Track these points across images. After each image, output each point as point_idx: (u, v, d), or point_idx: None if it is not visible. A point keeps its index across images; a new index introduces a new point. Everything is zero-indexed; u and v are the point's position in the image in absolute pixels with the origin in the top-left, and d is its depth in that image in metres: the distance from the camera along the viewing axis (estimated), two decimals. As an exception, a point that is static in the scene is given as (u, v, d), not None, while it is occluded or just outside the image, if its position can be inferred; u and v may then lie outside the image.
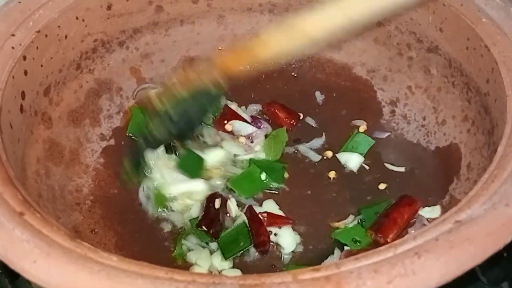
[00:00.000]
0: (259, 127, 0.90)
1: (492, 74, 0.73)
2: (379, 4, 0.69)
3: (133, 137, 0.89)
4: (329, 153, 0.88)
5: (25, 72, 0.75)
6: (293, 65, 0.98)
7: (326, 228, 0.79)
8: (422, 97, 0.89)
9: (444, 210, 0.76)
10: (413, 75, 0.90)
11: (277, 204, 0.82)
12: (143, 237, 0.80)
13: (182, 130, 0.83)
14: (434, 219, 0.72)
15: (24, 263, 0.53)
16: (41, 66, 0.79)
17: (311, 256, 0.76)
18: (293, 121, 0.92)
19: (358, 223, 0.78)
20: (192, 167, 0.84)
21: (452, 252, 0.53)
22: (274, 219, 0.79)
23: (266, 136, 0.90)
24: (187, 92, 0.78)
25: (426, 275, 0.51)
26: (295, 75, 0.98)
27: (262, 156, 0.87)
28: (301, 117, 0.93)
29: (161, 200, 0.81)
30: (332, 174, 0.85)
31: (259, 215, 0.78)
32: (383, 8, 0.70)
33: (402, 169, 0.85)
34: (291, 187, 0.84)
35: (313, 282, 0.50)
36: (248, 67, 0.77)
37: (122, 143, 0.89)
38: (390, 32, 0.90)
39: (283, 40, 0.74)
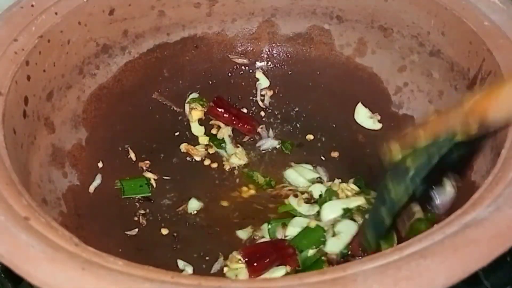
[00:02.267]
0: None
1: (495, 77, 0.73)
2: None
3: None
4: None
5: (28, 77, 0.75)
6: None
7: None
8: (424, 100, 0.89)
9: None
10: (415, 79, 0.90)
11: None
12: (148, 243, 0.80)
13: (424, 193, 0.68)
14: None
15: (29, 268, 0.53)
16: (44, 71, 0.79)
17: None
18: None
19: None
20: None
21: (457, 255, 0.53)
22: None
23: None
24: (431, 141, 0.64)
25: (432, 277, 0.51)
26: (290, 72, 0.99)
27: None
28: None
29: None
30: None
31: None
32: None
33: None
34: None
35: (320, 285, 0.50)
36: (509, 112, 0.61)
37: (126, 147, 0.90)
38: (392, 36, 0.90)
39: None
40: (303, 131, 0.93)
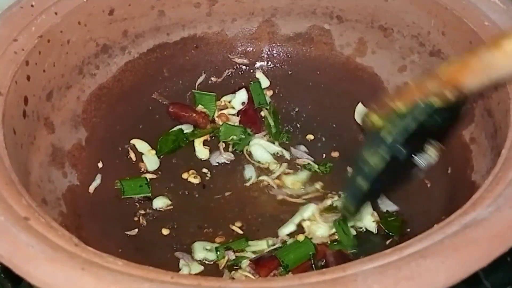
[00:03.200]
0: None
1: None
2: None
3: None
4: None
5: (28, 77, 0.75)
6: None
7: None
8: (424, 100, 0.89)
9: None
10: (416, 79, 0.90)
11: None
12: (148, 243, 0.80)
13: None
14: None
15: (29, 268, 0.53)
16: (44, 71, 0.79)
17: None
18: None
19: None
20: None
21: (458, 255, 0.53)
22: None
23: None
24: (408, 108, 0.65)
25: (432, 277, 0.51)
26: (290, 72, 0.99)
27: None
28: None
29: None
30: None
31: None
32: None
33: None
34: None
35: (320, 285, 0.50)
36: (482, 79, 0.62)
37: (126, 147, 0.90)
38: (392, 36, 0.90)
39: None
40: (303, 131, 0.93)
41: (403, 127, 0.65)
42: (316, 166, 0.88)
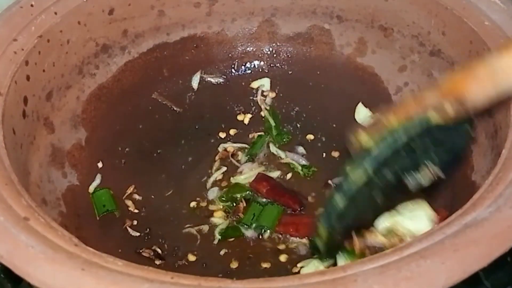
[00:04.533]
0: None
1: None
2: None
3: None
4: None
5: (28, 77, 0.75)
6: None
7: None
8: (424, 100, 0.89)
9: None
10: (416, 79, 0.90)
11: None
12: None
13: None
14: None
15: (29, 268, 0.53)
16: (43, 71, 0.79)
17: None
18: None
19: None
20: None
21: (458, 255, 0.53)
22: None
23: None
24: (401, 124, 0.59)
25: (432, 278, 0.51)
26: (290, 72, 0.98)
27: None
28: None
29: None
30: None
31: None
32: None
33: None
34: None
35: (320, 285, 0.50)
36: (488, 90, 0.57)
37: (127, 149, 0.90)
38: (392, 35, 0.90)
39: None
40: (303, 131, 0.93)
41: (392, 140, 0.60)
42: (300, 168, 0.88)
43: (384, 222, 0.69)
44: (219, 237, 0.80)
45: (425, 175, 0.63)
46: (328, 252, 0.68)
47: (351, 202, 0.61)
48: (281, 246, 0.79)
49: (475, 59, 0.67)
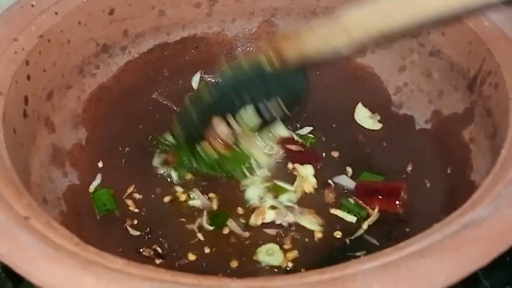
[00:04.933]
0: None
1: (495, 77, 0.73)
2: (421, 12, 0.67)
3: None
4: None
5: (28, 77, 0.76)
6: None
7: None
8: (424, 100, 0.89)
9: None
10: (415, 79, 0.90)
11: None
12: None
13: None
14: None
15: (30, 267, 0.53)
16: (44, 71, 0.79)
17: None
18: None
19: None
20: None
21: (457, 254, 0.53)
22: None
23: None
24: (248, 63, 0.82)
25: (431, 277, 0.51)
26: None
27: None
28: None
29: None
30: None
31: None
32: (424, 17, 0.67)
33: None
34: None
35: (319, 284, 0.50)
36: (298, 54, 0.78)
37: (127, 149, 0.90)
38: (392, 36, 0.90)
39: (327, 35, 0.75)
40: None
41: (235, 74, 0.84)
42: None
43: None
44: (210, 227, 0.81)
45: (275, 106, 0.85)
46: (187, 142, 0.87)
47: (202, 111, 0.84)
48: (287, 245, 0.79)
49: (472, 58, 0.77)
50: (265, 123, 0.86)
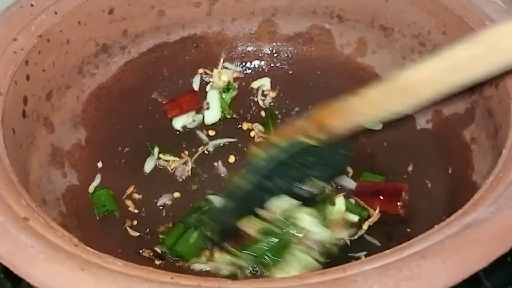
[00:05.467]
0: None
1: (496, 76, 0.73)
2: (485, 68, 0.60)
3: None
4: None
5: (27, 77, 0.75)
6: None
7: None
8: (424, 100, 0.89)
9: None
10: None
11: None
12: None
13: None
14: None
15: (29, 268, 0.53)
16: (43, 71, 0.78)
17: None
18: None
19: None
20: None
21: (458, 255, 0.53)
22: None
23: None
24: (284, 143, 0.74)
25: (432, 278, 0.51)
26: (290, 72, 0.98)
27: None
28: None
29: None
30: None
31: None
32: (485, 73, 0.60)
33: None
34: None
35: (320, 285, 0.50)
36: (346, 124, 0.71)
37: (127, 149, 0.90)
38: (392, 35, 0.90)
39: (387, 98, 0.67)
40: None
41: (274, 155, 0.74)
42: None
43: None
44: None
45: (313, 185, 0.77)
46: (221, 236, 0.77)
47: (238, 202, 0.75)
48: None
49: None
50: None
